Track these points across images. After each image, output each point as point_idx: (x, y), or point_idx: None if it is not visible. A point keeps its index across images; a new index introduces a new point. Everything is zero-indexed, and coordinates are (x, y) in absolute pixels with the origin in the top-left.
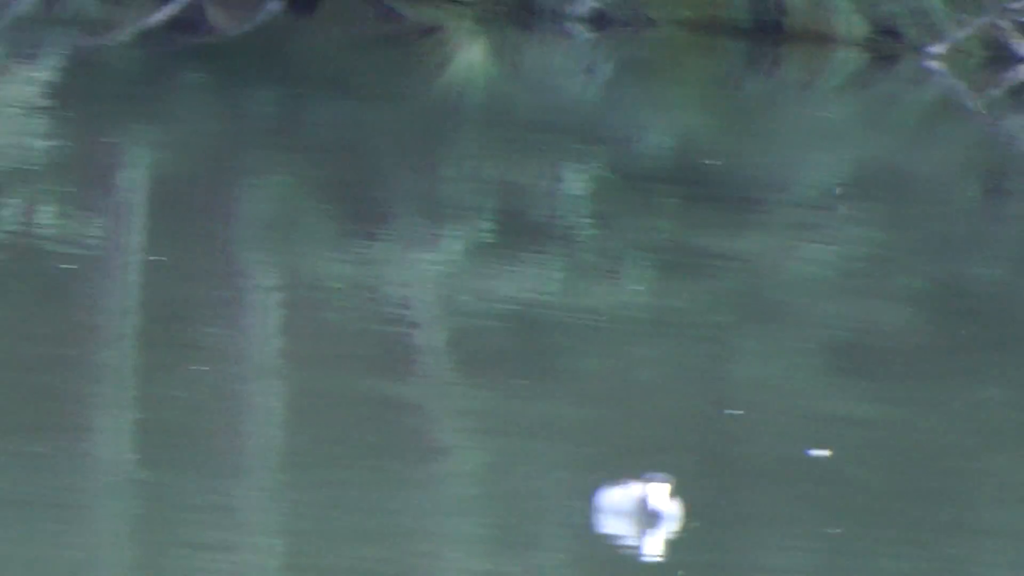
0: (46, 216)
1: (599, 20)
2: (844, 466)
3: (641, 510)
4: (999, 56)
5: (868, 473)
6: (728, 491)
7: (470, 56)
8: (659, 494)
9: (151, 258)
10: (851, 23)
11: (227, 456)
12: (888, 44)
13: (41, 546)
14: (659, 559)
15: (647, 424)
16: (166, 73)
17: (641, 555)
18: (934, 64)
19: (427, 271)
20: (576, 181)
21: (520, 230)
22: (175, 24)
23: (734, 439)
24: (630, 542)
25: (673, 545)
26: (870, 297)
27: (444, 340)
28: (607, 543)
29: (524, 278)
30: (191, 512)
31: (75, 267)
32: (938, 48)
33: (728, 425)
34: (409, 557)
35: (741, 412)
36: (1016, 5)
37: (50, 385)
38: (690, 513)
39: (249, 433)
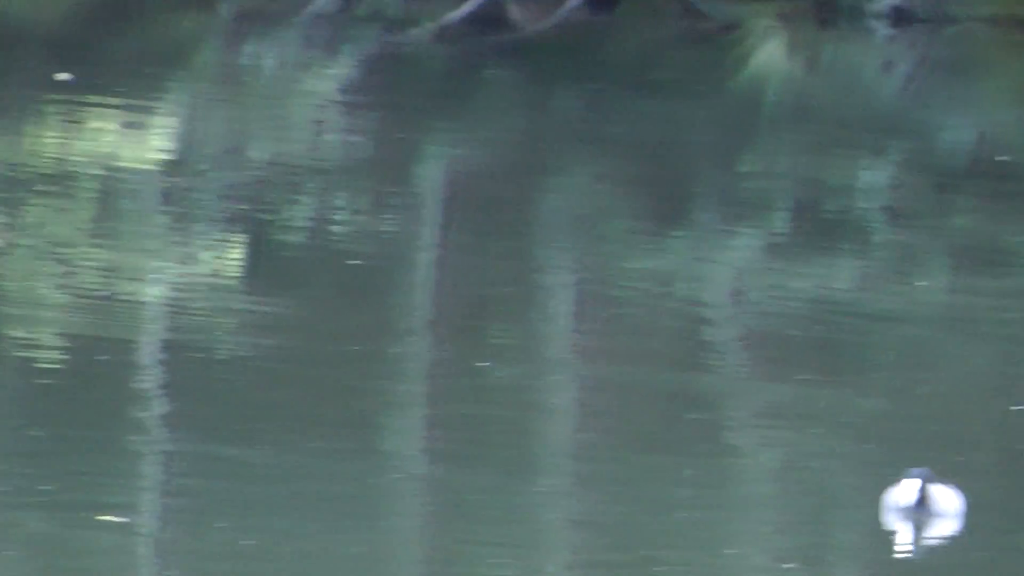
0: (344, 211)
1: (899, 17)
2: None
3: (912, 507)
4: None
5: None
6: (1016, 489)
7: (770, 53)
8: (912, 490)
9: (449, 254)
10: None
11: (519, 452)
12: None
13: (339, 542)
14: (935, 556)
15: (937, 420)
16: (468, 70)
17: (917, 552)
18: None
19: (724, 267)
20: (875, 177)
21: (818, 226)
22: (476, 21)
23: (1023, 435)
24: (909, 539)
25: (953, 542)
26: None
27: (738, 336)
28: (888, 540)
29: (820, 274)
30: (483, 509)
31: (373, 263)
32: None
33: (1019, 422)
34: (696, 554)
35: None
36: None
37: (348, 381)
38: (975, 510)
39: (541, 429)
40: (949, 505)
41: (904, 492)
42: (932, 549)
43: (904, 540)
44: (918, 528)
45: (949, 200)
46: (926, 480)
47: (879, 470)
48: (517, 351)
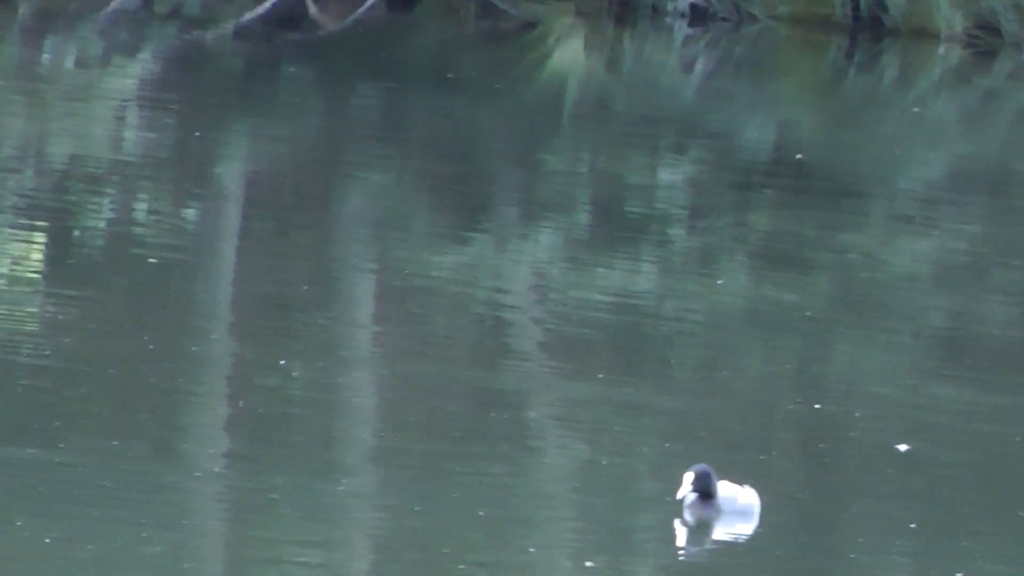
0: (142, 209)
1: (699, 15)
2: (935, 461)
3: (696, 503)
4: None
5: (958, 468)
6: (813, 488)
7: (570, 51)
8: (686, 485)
9: (249, 251)
10: (951, 19)
11: (320, 451)
12: (988, 39)
13: (139, 541)
14: (731, 554)
15: (737, 419)
16: (267, 68)
17: (713, 550)
18: None
19: (526, 265)
20: (675, 176)
21: (618, 224)
22: (275, 19)
23: (823, 433)
24: (704, 537)
25: (749, 540)
26: (967, 292)
27: (540, 334)
28: (685, 538)
29: (621, 272)
30: (284, 509)
31: (173, 261)
32: None
33: (817, 419)
34: (498, 552)
35: (831, 407)
36: None
37: (147, 380)
38: (773, 509)
39: (343, 428)
40: (740, 502)
41: (683, 488)
42: (728, 547)
43: (700, 538)
44: (709, 525)
45: (748, 198)
46: (703, 476)
47: (679, 469)
48: (318, 349)
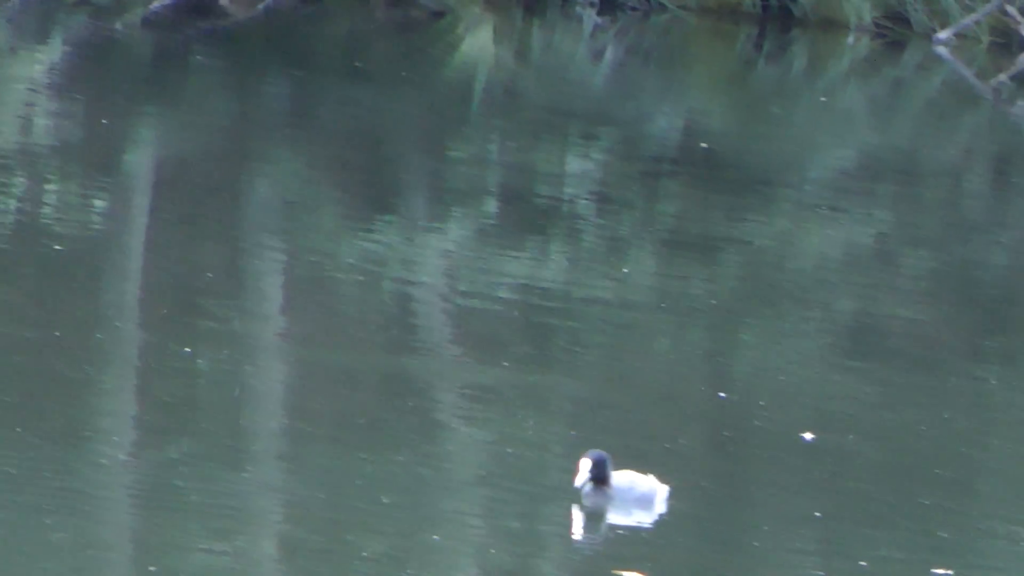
0: (49, 196)
1: (608, 4)
2: (839, 450)
3: (590, 491)
4: (1008, 42)
5: (863, 457)
6: (719, 476)
7: (479, 41)
8: (584, 472)
9: (157, 239)
10: (860, 9)
11: (226, 439)
12: (897, 30)
13: (42, 528)
14: (637, 541)
15: (645, 407)
16: (176, 56)
17: (617, 537)
18: (943, 50)
19: (435, 252)
20: (584, 165)
21: (527, 212)
22: (184, 8)
23: (729, 422)
24: (605, 524)
25: (653, 528)
26: (874, 281)
27: (449, 320)
28: (588, 525)
29: (530, 260)
30: (190, 495)
31: (79, 249)
32: (947, 34)
33: (724, 408)
34: (403, 539)
35: (737, 396)
36: None
37: (53, 368)
38: (678, 496)
39: (249, 415)
40: (639, 491)
41: (580, 475)
42: (631, 535)
43: (597, 526)
44: (604, 513)
45: (657, 187)
46: (599, 463)
47: (580, 452)
48: (225, 337)
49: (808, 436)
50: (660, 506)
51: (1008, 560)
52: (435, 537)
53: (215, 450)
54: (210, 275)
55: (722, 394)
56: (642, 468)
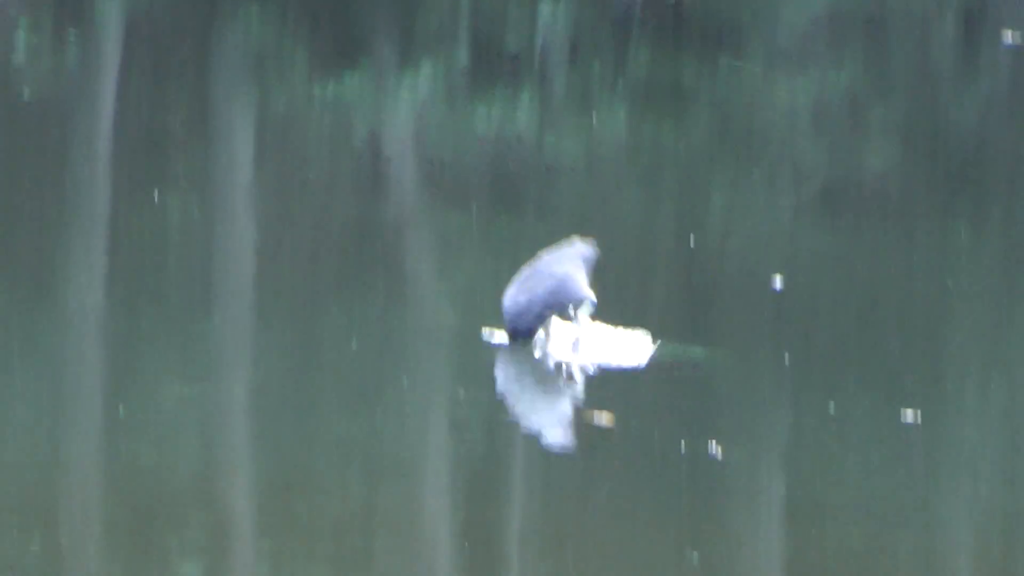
0: (19, 47)
1: None
2: (809, 296)
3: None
4: None
5: (832, 303)
6: (687, 320)
7: None
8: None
9: (128, 88)
10: None
11: (194, 284)
12: None
13: (5, 374)
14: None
15: (613, 254)
16: None
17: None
18: None
19: (403, 101)
20: (553, 13)
21: (497, 62)
22: None
23: (698, 270)
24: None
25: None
26: (845, 132)
27: (418, 168)
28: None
29: (500, 110)
30: (155, 342)
31: (46, 97)
32: None
33: (693, 257)
34: (372, 378)
35: (706, 244)
36: None
37: (18, 212)
38: (654, 337)
39: (217, 259)
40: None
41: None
42: (605, 377)
43: (572, 369)
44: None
45: (628, 37)
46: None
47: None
48: (196, 185)
49: (778, 282)
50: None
51: (974, 401)
52: (404, 379)
53: (184, 295)
54: (183, 123)
55: (692, 244)
56: (614, 317)
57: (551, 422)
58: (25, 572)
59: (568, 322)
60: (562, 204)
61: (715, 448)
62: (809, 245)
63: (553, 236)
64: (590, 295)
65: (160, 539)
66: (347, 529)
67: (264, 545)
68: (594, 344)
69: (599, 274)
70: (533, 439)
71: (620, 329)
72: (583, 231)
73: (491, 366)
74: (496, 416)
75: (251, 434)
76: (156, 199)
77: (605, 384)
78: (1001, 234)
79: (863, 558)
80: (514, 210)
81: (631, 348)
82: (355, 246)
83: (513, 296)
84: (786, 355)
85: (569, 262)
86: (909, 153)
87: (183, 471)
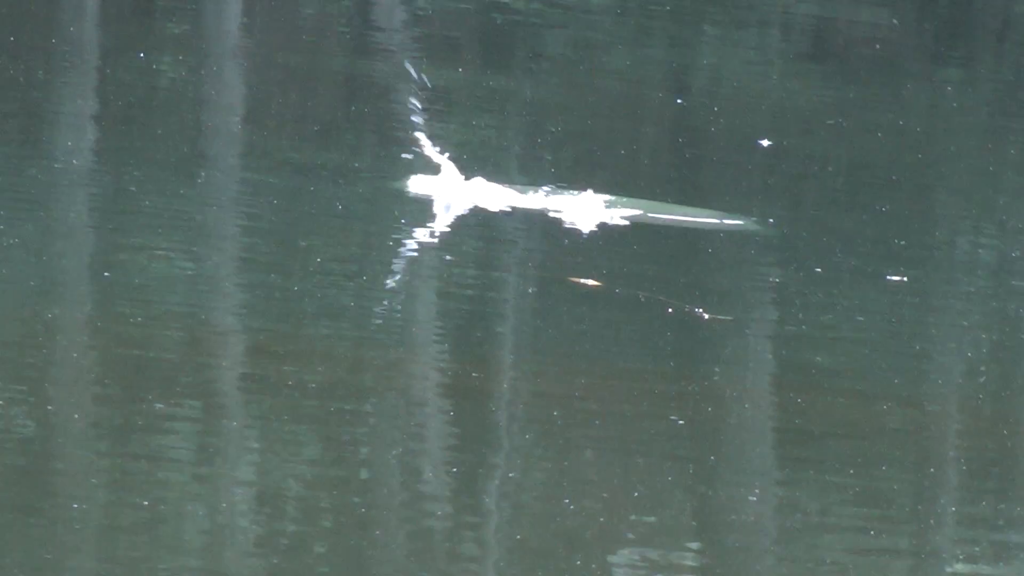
0: None
1: None
2: (795, 155)
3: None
4: None
5: (819, 162)
6: (675, 181)
7: None
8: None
9: None
10: None
11: (181, 142)
12: None
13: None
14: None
15: (601, 110)
16: None
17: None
18: None
19: None
20: None
21: None
22: None
23: (687, 128)
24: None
25: (613, 235)
26: None
27: (407, 23)
28: (541, 233)
29: None
30: (140, 200)
31: None
32: None
33: (681, 113)
34: (359, 243)
35: (695, 101)
36: None
37: (5, 71)
38: (634, 202)
39: (205, 118)
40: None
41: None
42: (589, 243)
43: (557, 235)
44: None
45: None
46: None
47: (545, 154)
48: (183, 44)
49: (765, 142)
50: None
51: (961, 269)
52: (389, 244)
53: (171, 159)
54: None
55: (679, 100)
56: (597, 176)
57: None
58: (10, 429)
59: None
60: (551, 60)
61: (701, 311)
62: (798, 99)
63: (541, 92)
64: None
65: (149, 396)
66: (336, 390)
67: (252, 408)
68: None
69: (584, 128)
70: (522, 296)
71: (569, 193)
72: (571, 85)
73: (475, 224)
74: (492, 280)
75: (238, 298)
76: (143, 57)
77: (585, 247)
78: (990, 87)
79: (853, 421)
80: (503, 66)
81: (582, 209)
82: (342, 101)
83: None
84: (770, 216)
85: None
86: (900, 5)
87: (172, 333)
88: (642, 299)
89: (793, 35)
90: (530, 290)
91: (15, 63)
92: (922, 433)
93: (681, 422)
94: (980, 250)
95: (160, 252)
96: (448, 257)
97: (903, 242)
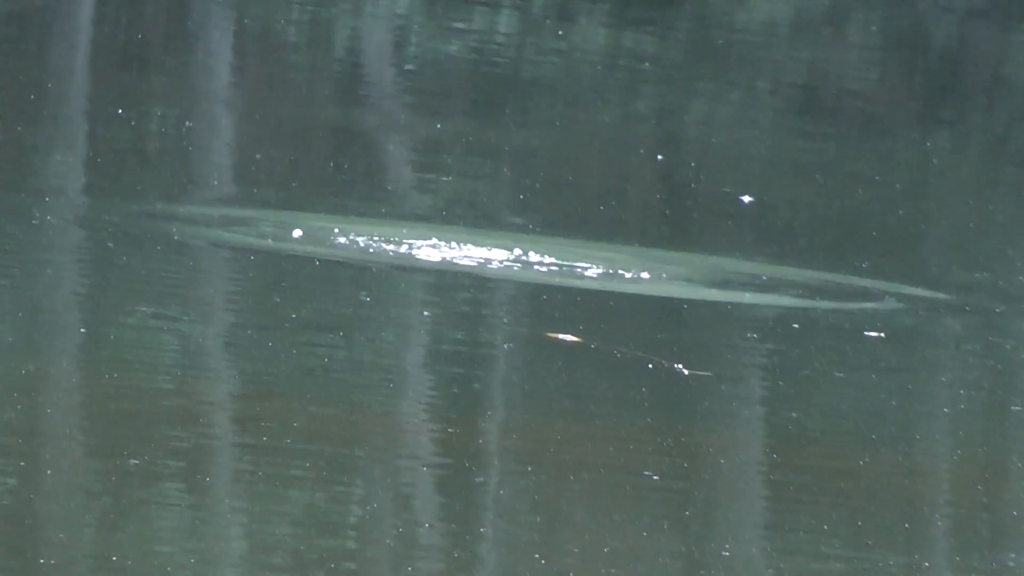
0: None
1: None
2: (779, 211)
3: None
4: None
5: (803, 216)
6: (661, 232)
7: None
8: None
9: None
10: None
11: (176, 191)
12: None
13: None
14: None
15: (587, 162)
16: None
17: (551, 299)
18: None
19: (384, 6)
20: None
21: None
22: None
23: (669, 181)
24: (540, 286)
25: (593, 291)
26: (826, 42)
27: (399, 72)
28: (519, 286)
29: (480, 25)
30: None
31: (19, 11)
32: None
33: (664, 170)
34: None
35: (682, 157)
36: None
37: None
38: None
39: (200, 163)
40: None
41: None
42: (568, 298)
43: (534, 291)
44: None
45: None
46: None
47: (533, 203)
48: (175, 92)
49: (746, 199)
50: None
51: (942, 325)
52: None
53: (162, 203)
54: (163, 31)
55: (659, 156)
56: (580, 227)
57: None
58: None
59: None
60: (540, 111)
61: (680, 367)
62: (784, 155)
63: (529, 141)
64: None
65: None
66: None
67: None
68: None
69: (568, 179)
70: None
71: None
72: (558, 139)
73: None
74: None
75: (224, 347)
76: (132, 110)
77: (566, 301)
78: (980, 144)
79: (832, 476)
80: (493, 117)
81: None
82: (335, 151)
83: None
84: (759, 271)
85: None
86: (891, 65)
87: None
88: (617, 355)
89: (781, 92)
90: (506, 346)
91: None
92: (905, 486)
93: (656, 478)
94: (966, 308)
95: (147, 313)
96: (425, 313)
97: (887, 296)
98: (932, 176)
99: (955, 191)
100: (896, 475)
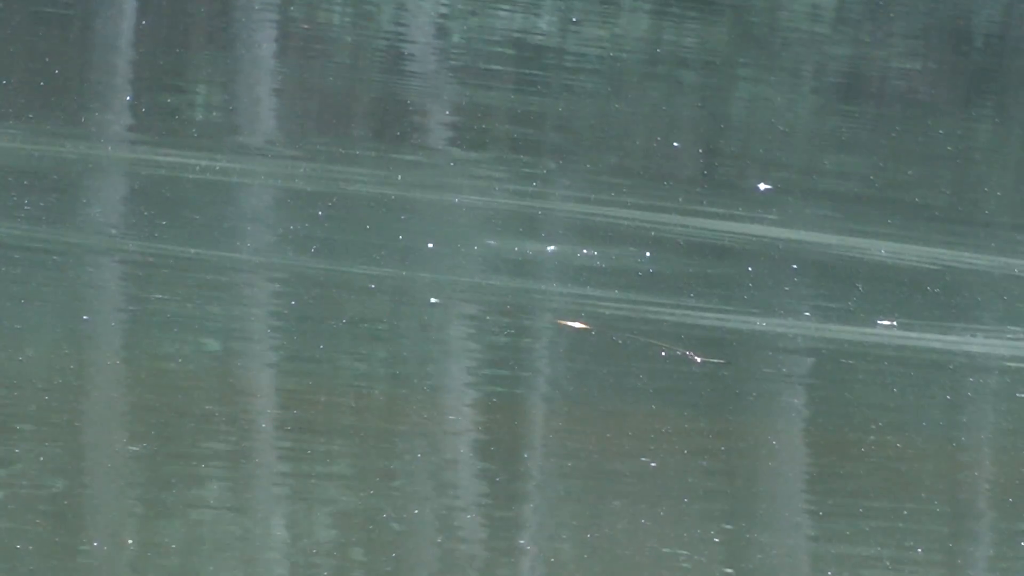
0: None
1: None
2: (801, 208)
3: None
4: None
5: (825, 214)
6: (696, 221)
7: None
8: None
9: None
10: None
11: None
12: None
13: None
14: None
15: (622, 151)
16: None
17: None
18: None
19: (425, 6)
20: None
21: None
22: None
23: (700, 174)
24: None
25: (605, 278)
26: (867, 33)
27: (440, 66)
28: (529, 275)
29: (523, 14)
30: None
31: (68, 13)
32: None
33: (699, 160)
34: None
35: (723, 144)
36: None
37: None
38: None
39: (242, 148)
40: None
41: None
42: (579, 286)
43: (545, 279)
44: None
45: None
46: None
47: (555, 182)
48: (217, 84)
49: (762, 186)
50: None
51: (992, 318)
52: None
53: (207, 188)
54: (206, 33)
55: (700, 149)
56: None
57: None
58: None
59: None
60: (582, 100)
61: (691, 354)
62: (822, 155)
63: (570, 120)
64: None
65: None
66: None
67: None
68: None
69: (599, 163)
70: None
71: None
72: (594, 127)
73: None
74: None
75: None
76: (177, 94)
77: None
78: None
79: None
80: (537, 107)
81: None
82: (372, 125)
83: None
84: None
85: None
86: (933, 51)
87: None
88: (620, 342)
89: (824, 81)
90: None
91: (49, 103)
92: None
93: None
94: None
95: (194, 279)
96: (433, 300)
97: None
98: (975, 161)
99: (1002, 173)
100: (941, 461)
